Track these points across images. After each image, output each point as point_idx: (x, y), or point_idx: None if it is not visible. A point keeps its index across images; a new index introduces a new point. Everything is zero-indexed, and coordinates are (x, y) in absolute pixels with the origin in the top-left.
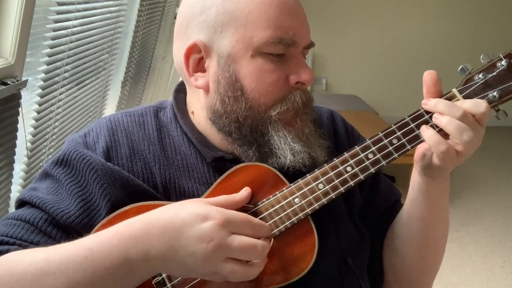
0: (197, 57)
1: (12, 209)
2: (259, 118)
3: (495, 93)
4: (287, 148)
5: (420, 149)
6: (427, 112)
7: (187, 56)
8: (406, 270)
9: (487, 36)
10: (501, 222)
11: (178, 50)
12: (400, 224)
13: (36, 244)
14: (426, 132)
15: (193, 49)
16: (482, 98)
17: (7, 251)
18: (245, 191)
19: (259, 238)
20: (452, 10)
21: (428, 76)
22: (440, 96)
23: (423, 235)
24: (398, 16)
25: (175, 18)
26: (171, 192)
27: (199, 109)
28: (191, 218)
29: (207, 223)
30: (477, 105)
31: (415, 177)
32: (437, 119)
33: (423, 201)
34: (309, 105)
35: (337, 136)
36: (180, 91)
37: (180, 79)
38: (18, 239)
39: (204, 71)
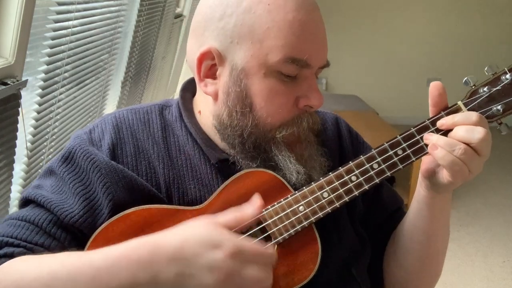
0: (210, 64)
1: (12, 209)
2: (263, 137)
3: (499, 107)
4: (293, 167)
5: (427, 164)
6: (433, 124)
7: (200, 61)
8: (406, 280)
9: (488, 37)
10: (501, 222)
11: (192, 49)
12: (402, 236)
13: (41, 245)
14: (438, 153)
15: (207, 55)
16: (486, 111)
17: (12, 254)
18: (256, 205)
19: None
20: (453, 10)
21: (434, 88)
22: (445, 108)
23: (426, 247)
24: (398, 16)
25: (175, 18)
26: (174, 193)
27: (206, 112)
28: (202, 247)
29: (219, 252)
30: (472, 133)
31: (421, 191)
32: (433, 152)
33: (427, 214)
34: (313, 130)
35: (341, 142)
36: (187, 90)
37: (181, 79)
38: (23, 241)
39: (215, 78)
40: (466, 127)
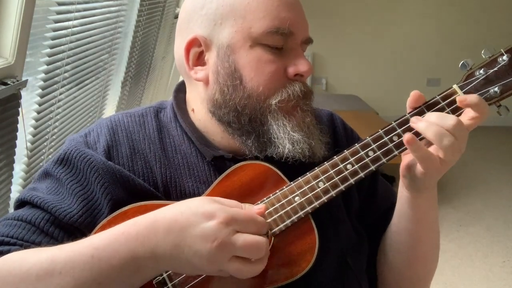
0: (197, 51)
1: (12, 209)
2: (258, 108)
3: (496, 89)
4: (285, 137)
5: (404, 161)
6: (428, 108)
7: (188, 49)
8: (395, 280)
9: (487, 36)
10: (501, 222)
11: (179, 46)
12: (389, 236)
13: (38, 244)
14: (406, 137)
15: (193, 43)
16: (483, 93)
17: (8, 252)
18: (259, 209)
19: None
20: (452, 10)
21: (412, 98)
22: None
23: (412, 248)
24: (398, 16)
25: (175, 18)
26: (172, 191)
27: (199, 104)
28: (196, 217)
29: (212, 222)
30: (444, 119)
31: (403, 192)
32: (415, 124)
33: (411, 215)
34: (309, 96)
35: (336, 138)
36: (180, 91)
37: (180, 78)
38: (19, 240)
39: (204, 64)
40: (437, 114)
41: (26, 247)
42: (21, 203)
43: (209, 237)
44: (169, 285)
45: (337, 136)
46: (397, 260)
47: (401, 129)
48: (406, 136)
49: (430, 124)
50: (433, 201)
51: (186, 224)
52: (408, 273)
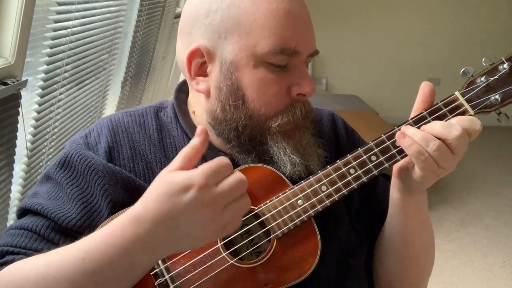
0: (200, 62)
1: (12, 209)
2: (258, 128)
3: (497, 96)
4: (287, 159)
5: (400, 163)
6: (430, 114)
7: (190, 60)
8: (389, 280)
9: (488, 37)
10: (501, 222)
11: (181, 50)
12: (383, 237)
13: (40, 251)
14: (404, 142)
15: (196, 53)
16: (484, 101)
17: (12, 261)
18: (198, 135)
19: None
20: (453, 10)
21: (426, 87)
22: (430, 106)
23: (403, 249)
24: (398, 16)
25: (175, 18)
26: None
27: (200, 111)
28: (173, 196)
29: (191, 191)
30: (449, 129)
31: (394, 193)
32: (399, 140)
33: (401, 216)
34: (308, 117)
35: (337, 138)
36: (181, 91)
37: (181, 78)
38: (22, 248)
39: (206, 75)
40: (443, 123)
41: (29, 255)
42: (23, 212)
43: (197, 204)
44: (171, 287)
45: (338, 136)
46: (390, 260)
47: None
48: (406, 142)
49: (413, 142)
50: (422, 203)
51: (170, 208)
52: (401, 273)
